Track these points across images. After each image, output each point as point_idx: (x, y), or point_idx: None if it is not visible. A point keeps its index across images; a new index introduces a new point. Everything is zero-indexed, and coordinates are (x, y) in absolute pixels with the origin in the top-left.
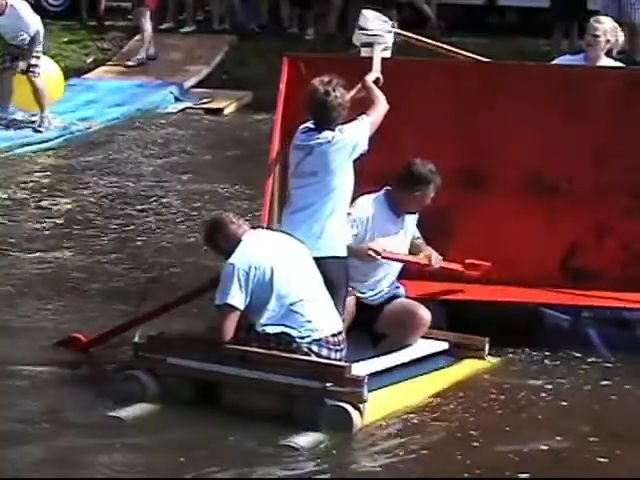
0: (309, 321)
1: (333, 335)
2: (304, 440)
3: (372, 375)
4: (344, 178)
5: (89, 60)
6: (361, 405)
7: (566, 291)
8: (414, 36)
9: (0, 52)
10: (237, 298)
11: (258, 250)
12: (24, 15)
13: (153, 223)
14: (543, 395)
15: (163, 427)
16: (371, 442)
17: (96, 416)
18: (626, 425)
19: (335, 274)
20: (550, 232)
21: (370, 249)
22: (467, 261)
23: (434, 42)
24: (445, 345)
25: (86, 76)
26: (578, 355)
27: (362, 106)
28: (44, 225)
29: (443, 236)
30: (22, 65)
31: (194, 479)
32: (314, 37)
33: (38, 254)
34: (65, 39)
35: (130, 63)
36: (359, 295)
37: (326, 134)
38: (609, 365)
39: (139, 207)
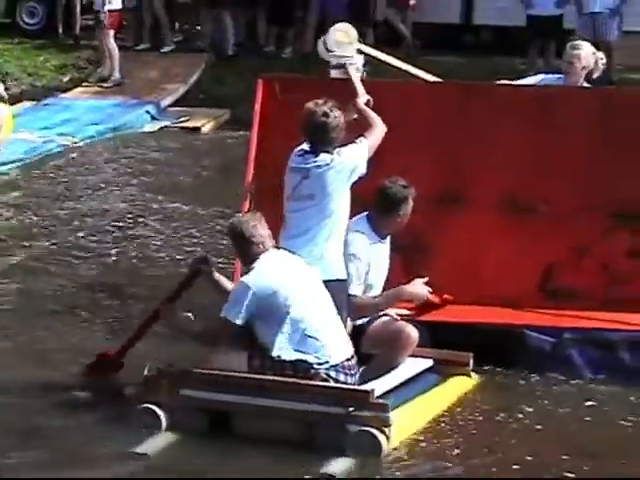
0: (324, 346)
1: (347, 359)
2: (336, 467)
3: None
4: (341, 201)
5: (65, 79)
6: (386, 429)
7: (546, 312)
8: (379, 53)
9: None
10: (240, 317)
11: (274, 273)
12: None
13: (130, 241)
14: (520, 416)
15: (186, 459)
16: (397, 467)
17: (112, 452)
18: (598, 443)
19: (337, 297)
20: (528, 253)
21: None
22: (445, 296)
23: (396, 62)
24: (430, 362)
25: (63, 95)
26: (559, 376)
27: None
28: None
29: (419, 257)
30: None
31: None
32: (291, 55)
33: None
34: (41, 58)
35: (107, 85)
36: None
37: (324, 157)
38: (590, 386)
39: (114, 226)
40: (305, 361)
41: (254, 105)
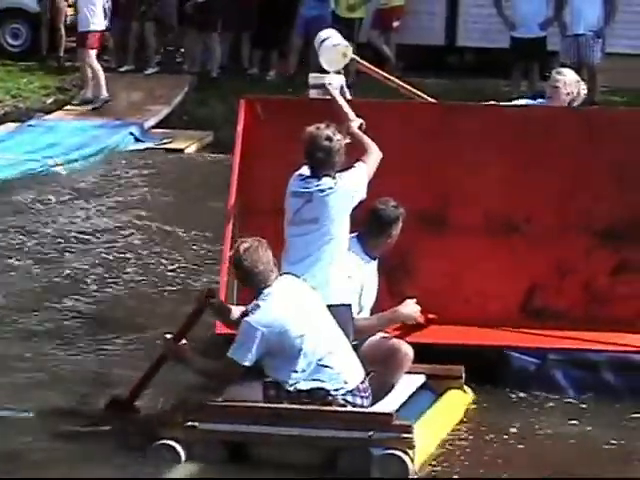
0: (339, 373)
1: (361, 382)
2: None
3: None
4: (342, 226)
5: (49, 101)
6: (410, 451)
7: (530, 332)
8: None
9: None
10: (249, 358)
11: (282, 311)
12: None
13: (110, 263)
14: (505, 437)
15: None
16: None
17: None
18: (577, 464)
19: (343, 322)
20: (511, 273)
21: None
22: (430, 315)
23: (391, 77)
24: (423, 378)
25: (46, 117)
26: (543, 396)
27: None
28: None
29: (403, 277)
30: None
31: None
32: (275, 78)
33: None
34: (25, 79)
35: (95, 106)
36: None
37: (326, 181)
38: (574, 407)
39: (95, 247)
40: (322, 388)
41: (236, 126)
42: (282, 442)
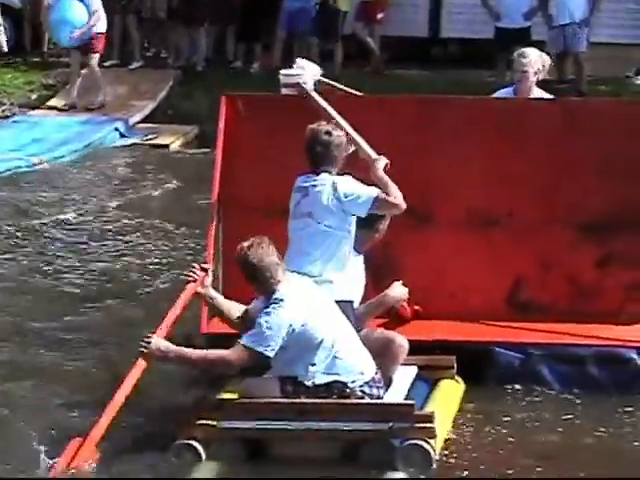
0: (354, 365)
1: (375, 373)
2: None
3: None
4: (344, 224)
5: (34, 96)
6: (432, 440)
7: (515, 326)
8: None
9: None
10: (271, 350)
11: (300, 306)
12: None
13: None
14: (492, 431)
15: None
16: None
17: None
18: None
19: (346, 318)
20: (494, 267)
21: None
22: (415, 307)
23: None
24: (416, 369)
25: (31, 113)
26: (528, 390)
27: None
28: None
29: (387, 272)
30: None
31: None
32: (259, 71)
33: None
34: (9, 75)
35: (91, 107)
36: None
37: (323, 176)
38: (561, 400)
39: (83, 244)
40: (339, 381)
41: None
42: (302, 437)
